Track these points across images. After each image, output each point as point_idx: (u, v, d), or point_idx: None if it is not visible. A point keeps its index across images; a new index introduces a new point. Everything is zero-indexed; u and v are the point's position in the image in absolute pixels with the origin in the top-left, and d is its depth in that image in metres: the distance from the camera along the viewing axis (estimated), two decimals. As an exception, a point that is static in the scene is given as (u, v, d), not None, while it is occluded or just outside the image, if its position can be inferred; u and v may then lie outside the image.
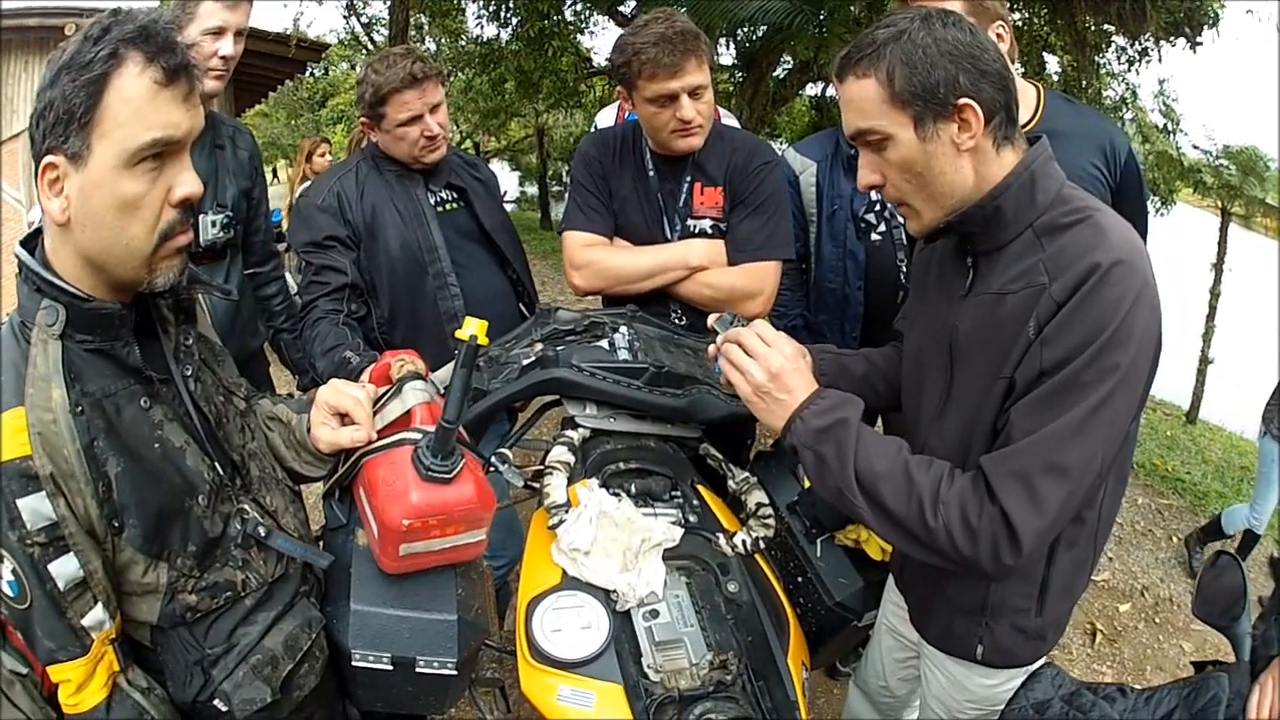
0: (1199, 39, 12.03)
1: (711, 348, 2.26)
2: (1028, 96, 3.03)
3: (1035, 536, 1.76)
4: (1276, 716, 1.70)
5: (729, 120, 4.24)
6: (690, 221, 3.26)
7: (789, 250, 3.24)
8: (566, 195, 4.54)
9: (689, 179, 3.24)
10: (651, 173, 3.28)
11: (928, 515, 1.82)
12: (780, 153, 3.54)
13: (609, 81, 19.89)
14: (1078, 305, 1.74)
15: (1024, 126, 2.82)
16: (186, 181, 1.60)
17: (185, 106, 1.57)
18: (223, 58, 3.30)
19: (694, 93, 3.00)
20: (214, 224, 3.43)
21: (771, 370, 2.06)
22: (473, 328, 1.78)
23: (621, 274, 3.23)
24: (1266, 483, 5.97)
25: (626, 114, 4.49)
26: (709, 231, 3.25)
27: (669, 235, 3.27)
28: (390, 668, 1.86)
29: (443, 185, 3.48)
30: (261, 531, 1.85)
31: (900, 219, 3.24)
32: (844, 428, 1.95)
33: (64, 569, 1.53)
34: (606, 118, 4.90)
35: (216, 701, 1.73)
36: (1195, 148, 14.31)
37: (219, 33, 3.27)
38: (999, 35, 2.88)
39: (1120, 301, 1.71)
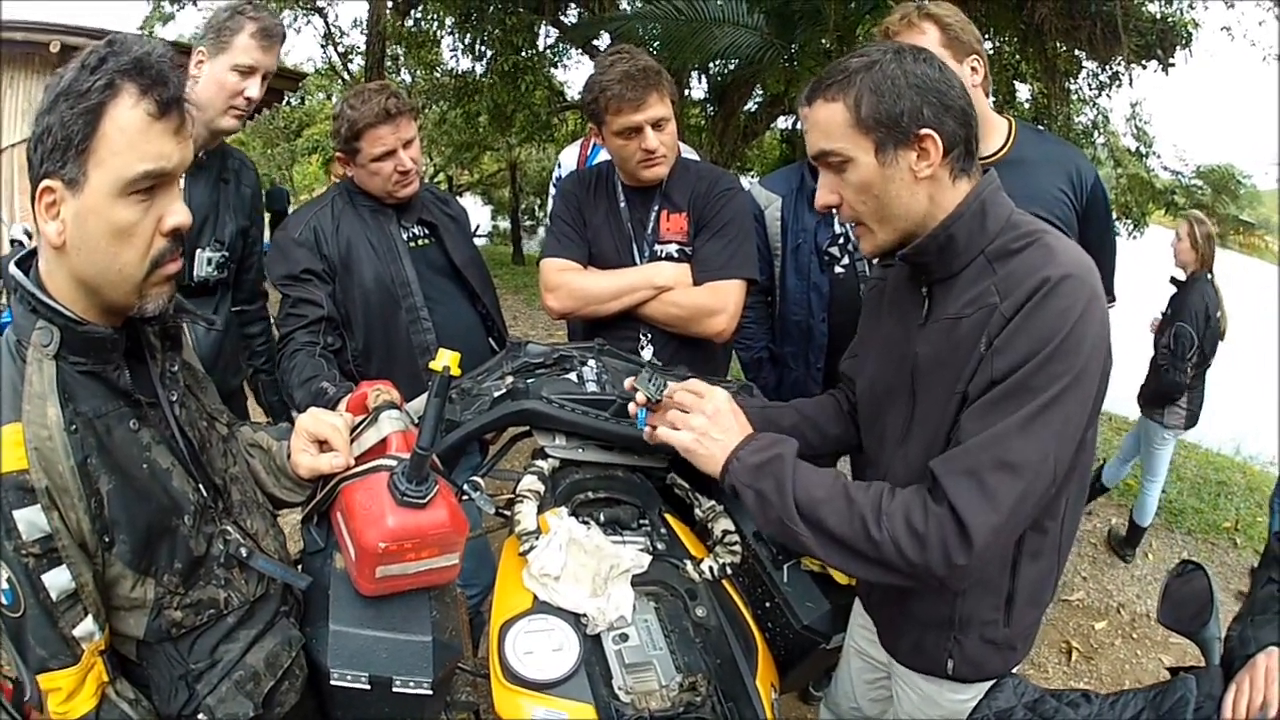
0: (1171, 60, 12.10)
1: (631, 406, 2.35)
2: (1000, 128, 3.15)
3: (988, 532, 1.79)
4: (1255, 713, 1.75)
5: (689, 155, 4.36)
6: (658, 247, 3.35)
7: (752, 270, 3.32)
8: (545, 229, 4.62)
9: (657, 207, 3.34)
10: (623, 204, 3.38)
11: (872, 529, 1.86)
12: (747, 187, 3.61)
13: (581, 116, 19.98)
14: (1026, 316, 1.80)
15: (995, 155, 2.99)
16: (177, 212, 1.65)
17: (176, 139, 1.62)
18: (247, 98, 3.27)
19: (657, 124, 3.13)
20: (209, 261, 3.39)
21: (707, 413, 2.15)
22: (446, 359, 1.84)
23: (591, 294, 3.32)
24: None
25: (589, 151, 4.59)
26: (675, 256, 3.34)
27: (638, 261, 3.36)
28: (368, 687, 1.89)
29: (414, 221, 3.53)
30: (243, 552, 1.89)
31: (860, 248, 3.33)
32: (779, 462, 2.01)
33: (57, 580, 1.57)
34: (570, 156, 5.01)
35: (200, 716, 1.76)
36: (1166, 169, 14.42)
37: (249, 72, 3.25)
38: (973, 69, 2.99)
39: (1068, 312, 1.77)
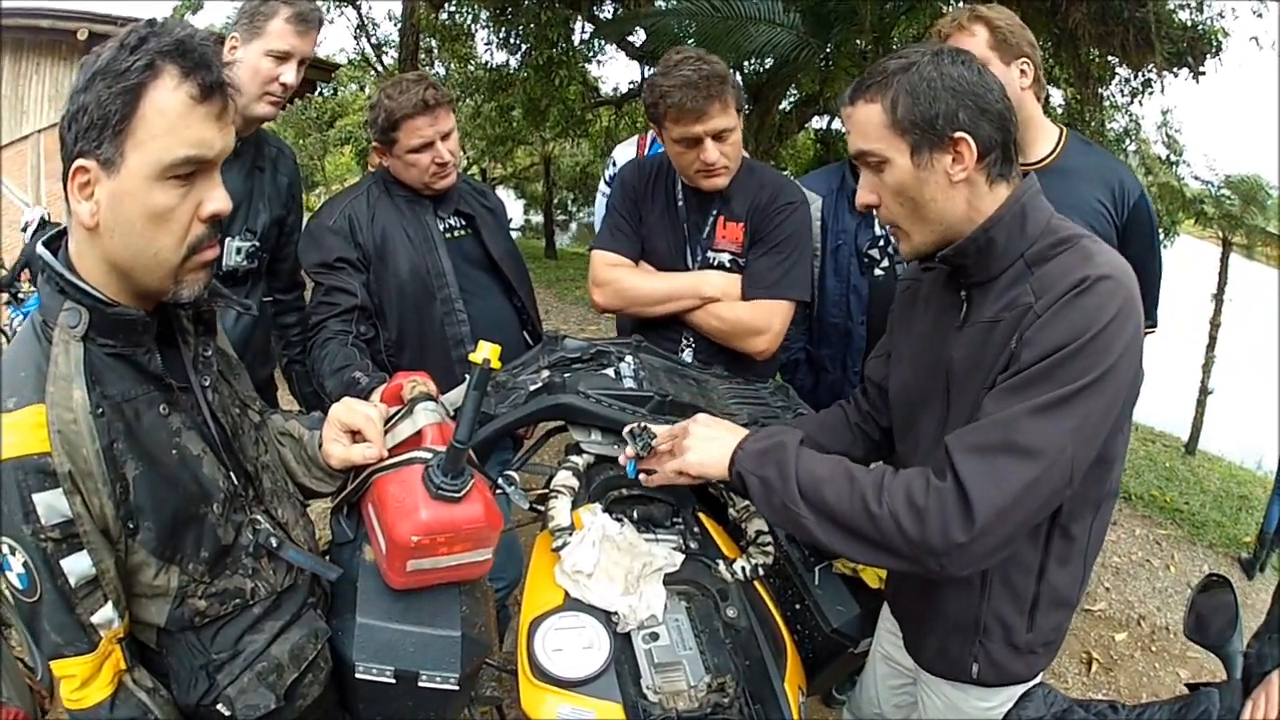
0: (1202, 69, 12.10)
1: (621, 457, 2.38)
2: (1050, 134, 3.17)
3: (991, 512, 1.76)
4: None
5: None
6: (710, 254, 3.29)
7: (803, 292, 3.26)
8: (600, 216, 4.60)
9: (715, 212, 3.28)
10: (680, 203, 3.32)
11: (871, 504, 1.85)
12: None
13: (615, 111, 20.01)
14: (1058, 311, 1.80)
15: (1042, 161, 3.02)
16: (216, 198, 1.62)
17: (218, 125, 1.59)
18: (283, 84, 3.22)
19: (718, 136, 3.03)
20: (239, 250, 3.35)
21: (690, 432, 2.21)
22: (486, 351, 1.82)
23: (637, 296, 3.28)
24: None
25: (646, 151, 4.52)
26: (726, 265, 3.28)
27: (689, 264, 3.31)
28: (393, 681, 1.88)
29: (451, 212, 3.51)
30: (273, 542, 1.86)
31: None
32: (782, 449, 2.02)
33: (76, 566, 1.55)
34: (625, 154, 4.88)
35: (220, 706, 1.74)
36: (1197, 178, 14.38)
37: (284, 57, 3.18)
38: (1023, 71, 2.99)
39: (1101, 311, 1.76)
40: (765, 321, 3.17)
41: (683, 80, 2.94)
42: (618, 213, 3.40)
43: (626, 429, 2.35)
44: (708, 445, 2.16)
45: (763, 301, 3.18)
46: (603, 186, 4.90)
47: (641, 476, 2.33)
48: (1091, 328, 1.75)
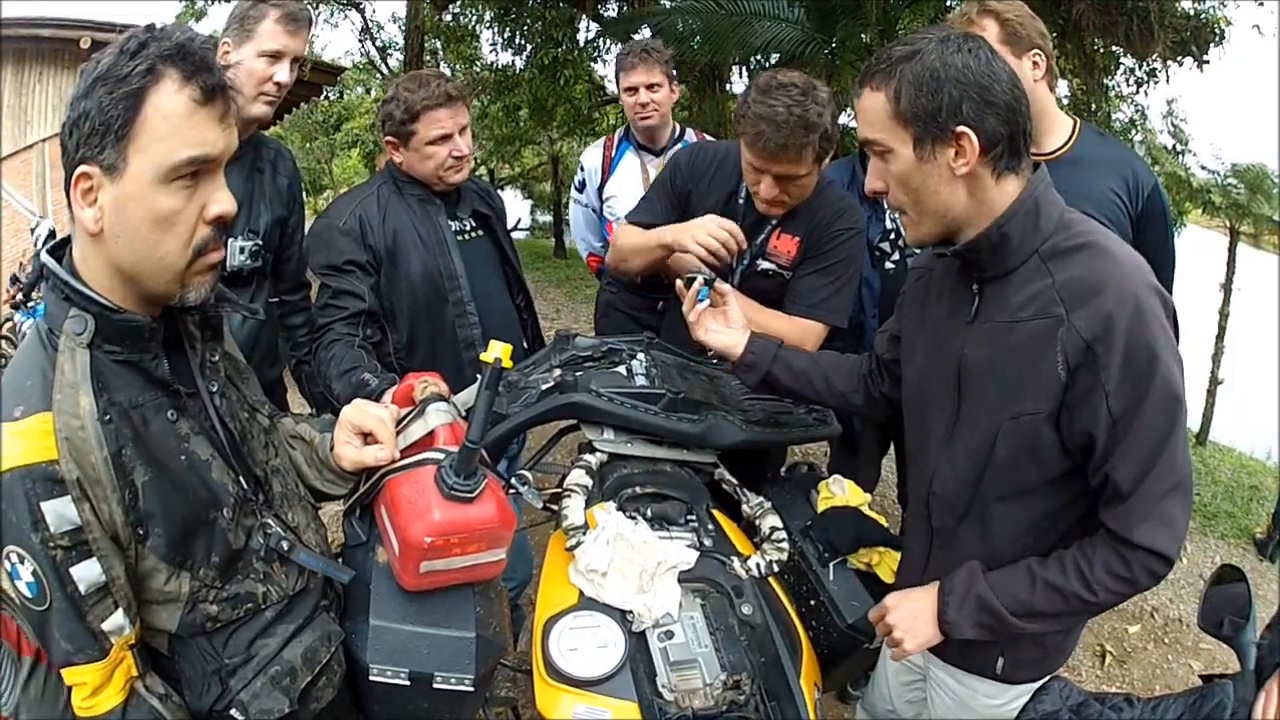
0: (1206, 58, 12.10)
1: (695, 284, 2.58)
2: (1063, 126, 3.16)
3: (1177, 549, 1.92)
4: None
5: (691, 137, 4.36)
6: (759, 260, 3.25)
7: (842, 319, 3.22)
8: (575, 225, 4.58)
9: (774, 222, 3.22)
10: (742, 201, 3.25)
11: (1086, 596, 1.96)
12: None
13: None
14: (1125, 362, 1.81)
15: (1055, 153, 3.02)
16: (221, 200, 1.61)
17: (221, 126, 1.59)
18: (276, 83, 3.23)
19: (781, 178, 2.94)
20: (242, 250, 3.33)
21: (893, 611, 2.21)
22: (497, 350, 1.82)
23: (619, 246, 3.37)
24: None
25: (614, 152, 4.51)
26: (770, 273, 3.25)
27: (734, 265, 3.26)
28: (408, 683, 1.87)
29: (467, 213, 3.51)
30: (284, 546, 1.85)
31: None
32: (980, 599, 2.07)
33: (86, 573, 1.54)
34: (593, 158, 4.93)
35: (233, 711, 1.74)
36: (1203, 168, 14.31)
37: (276, 57, 3.20)
38: (1035, 63, 2.99)
39: (1158, 334, 1.81)
40: (801, 338, 3.09)
41: (770, 113, 2.80)
42: (666, 186, 3.39)
43: (688, 276, 2.55)
44: (917, 626, 2.16)
45: (801, 320, 3.15)
46: (574, 194, 4.89)
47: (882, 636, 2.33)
48: (1159, 354, 1.81)
